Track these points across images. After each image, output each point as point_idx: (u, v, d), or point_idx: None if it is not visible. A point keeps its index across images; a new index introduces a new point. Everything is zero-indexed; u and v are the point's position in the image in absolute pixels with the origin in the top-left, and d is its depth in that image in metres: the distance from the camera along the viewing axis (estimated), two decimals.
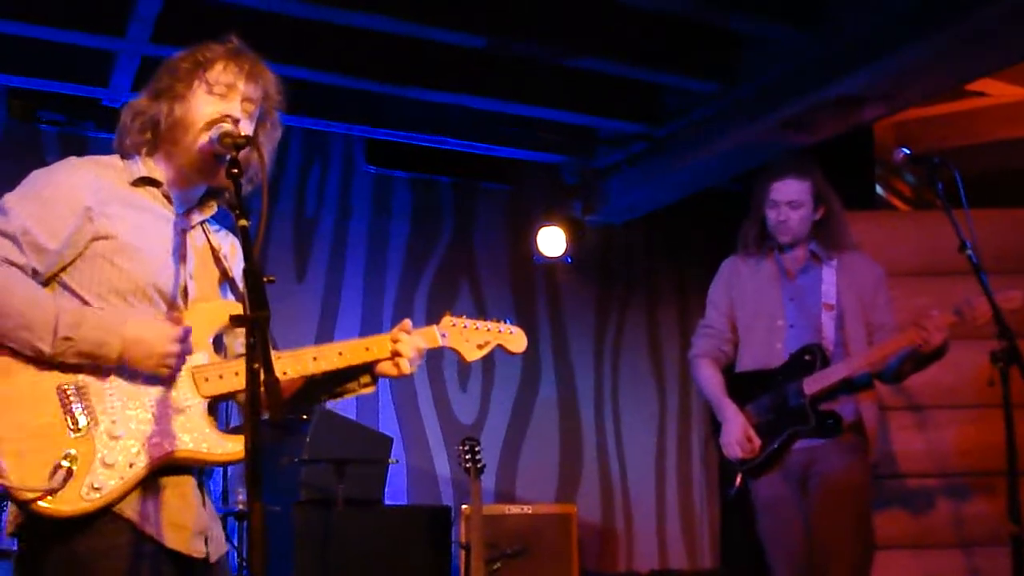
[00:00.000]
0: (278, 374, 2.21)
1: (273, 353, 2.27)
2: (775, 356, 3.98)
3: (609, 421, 6.93)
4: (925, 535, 5.19)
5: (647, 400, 7.05)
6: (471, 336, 2.63)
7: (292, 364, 2.37)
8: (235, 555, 5.04)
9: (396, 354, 2.45)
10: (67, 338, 2.09)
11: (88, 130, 5.59)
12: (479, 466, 4.98)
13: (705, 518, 7.02)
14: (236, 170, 2.16)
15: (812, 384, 3.85)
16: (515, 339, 2.68)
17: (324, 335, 6.12)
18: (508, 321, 2.70)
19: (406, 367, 2.45)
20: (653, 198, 6.25)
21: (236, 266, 2.42)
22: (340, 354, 2.39)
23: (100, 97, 5.20)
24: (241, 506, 4.83)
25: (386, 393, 6.30)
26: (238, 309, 2.18)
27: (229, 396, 2.30)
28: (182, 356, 2.21)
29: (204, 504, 2.29)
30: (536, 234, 6.30)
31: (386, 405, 6.30)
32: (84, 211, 2.19)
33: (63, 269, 2.21)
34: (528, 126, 5.82)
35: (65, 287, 2.20)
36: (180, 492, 2.23)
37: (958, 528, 5.32)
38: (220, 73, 2.35)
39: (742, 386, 4.09)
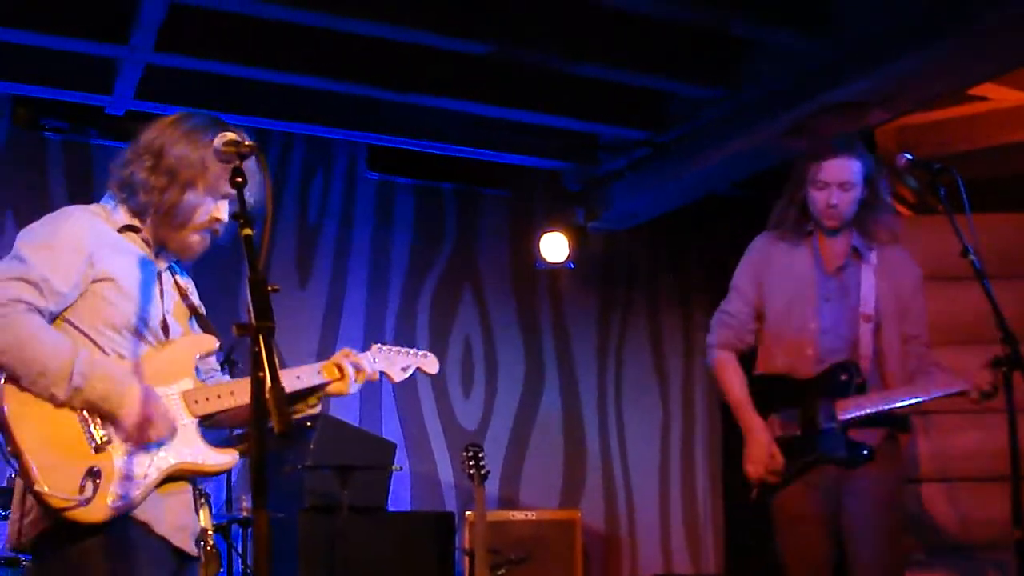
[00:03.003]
0: (244, 398, 2.52)
1: (246, 379, 2.58)
2: (804, 362, 3.72)
3: (612, 427, 6.93)
4: (929, 540, 5.19)
5: (650, 405, 7.04)
6: (396, 360, 2.97)
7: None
8: (240, 562, 5.04)
9: (342, 375, 2.77)
10: (77, 388, 2.35)
11: (91, 138, 5.60)
12: (483, 472, 4.98)
13: (709, 523, 7.01)
14: (240, 179, 2.24)
15: (846, 410, 3.62)
16: (429, 362, 3.05)
17: (327, 343, 6.13)
18: (416, 348, 3.06)
19: (347, 388, 2.77)
20: (656, 204, 6.25)
21: (198, 301, 2.78)
22: (298, 377, 2.71)
23: (103, 105, 5.21)
24: (246, 513, 4.83)
25: (390, 400, 6.30)
26: (212, 341, 2.65)
27: (215, 416, 2.60)
28: (155, 439, 2.45)
29: (196, 510, 2.63)
30: (539, 240, 6.30)
31: (390, 412, 6.31)
32: (87, 257, 2.46)
33: (66, 308, 2.46)
34: (531, 132, 5.82)
35: (69, 323, 2.46)
36: (181, 498, 2.55)
37: (963, 533, 5.31)
38: (226, 181, 2.42)
39: (766, 389, 3.82)
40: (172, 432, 2.48)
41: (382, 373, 2.92)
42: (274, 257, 6.09)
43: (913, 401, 3.61)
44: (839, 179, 3.66)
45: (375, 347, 2.94)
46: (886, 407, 3.61)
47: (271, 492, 2.08)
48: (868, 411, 3.61)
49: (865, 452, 3.61)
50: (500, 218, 6.78)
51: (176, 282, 2.71)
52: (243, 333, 2.05)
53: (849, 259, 3.77)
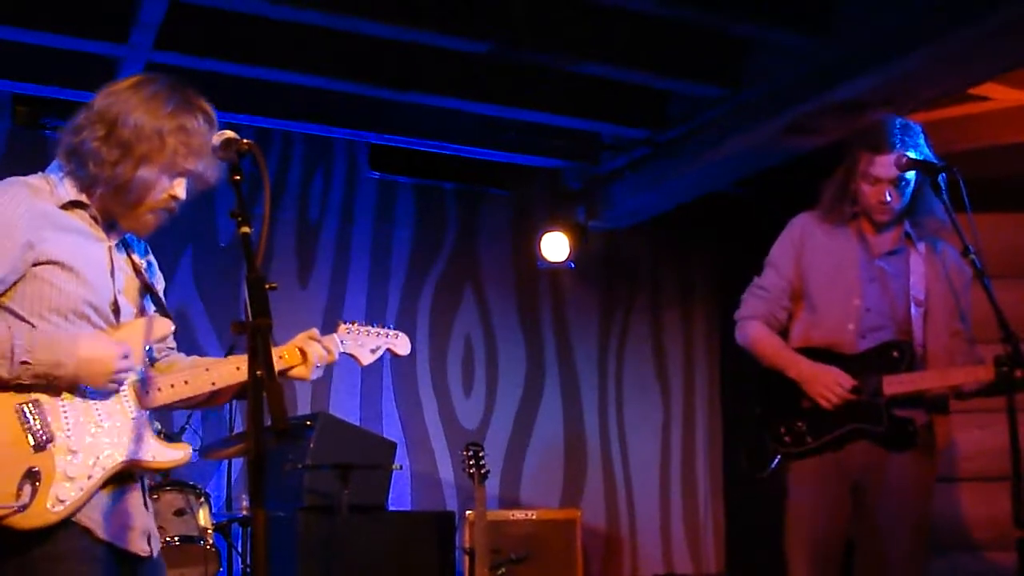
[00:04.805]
0: (207, 383, 2.43)
1: (197, 360, 2.55)
2: (846, 337, 3.63)
3: (613, 426, 6.92)
4: (931, 539, 5.18)
5: (651, 405, 7.04)
6: (364, 341, 2.80)
7: (219, 372, 2.51)
8: (239, 561, 5.04)
9: (305, 359, 2.61)
10: (24, 362, 2.20)
11: None
12: (483, 471, 4.97)
13: (710, 522, 7.01)
14: (238, 176, 2.20)
15: (893, 385, 3.51)
16: (401, 342, 2.89)
17: None
18: (388, 327, 2.89)
19: (308, 374, 2.62)
20: (657, 203, 6.25)
21: (155, 279, 2.60)
22: None
23: None
24: (246, 512, 4.83)
25: (390, 399, 6.30)
26: (165, 325, 2.50)
27: (170, 407, 2.47)
28: (128, 371, 2.35)
29: (146, 505, 2.46)
30: (540, 239, 6.30)
31: (390, 411, 6.31)
32: (25, 240, 2.28)
33: (3, 293, 2.29)
34: (532, 131, 5.81)
35: (7, 310, 2.29)
36: (128, 497, 2.38)
37: (964, 532, 5.31)
38: (184, 157, 2.37)
39: None
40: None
41: (348, 355, 2.76)
42: (275, 256, 6.08)
43: (967, 382, 3.47)
44: (893, 176, 3.55)
45: (343, 327, 2.78)
46: (937, 385, 3.51)
47: (271, 491, 2.07)
48: (919, 387, 3.51)
49: (911, 430, 3.52)
50: (501, 217, 6.78)
51: (131, 258, 2.52)
52: (241, 331, 2.01)
53: (901, 244, 3.68)
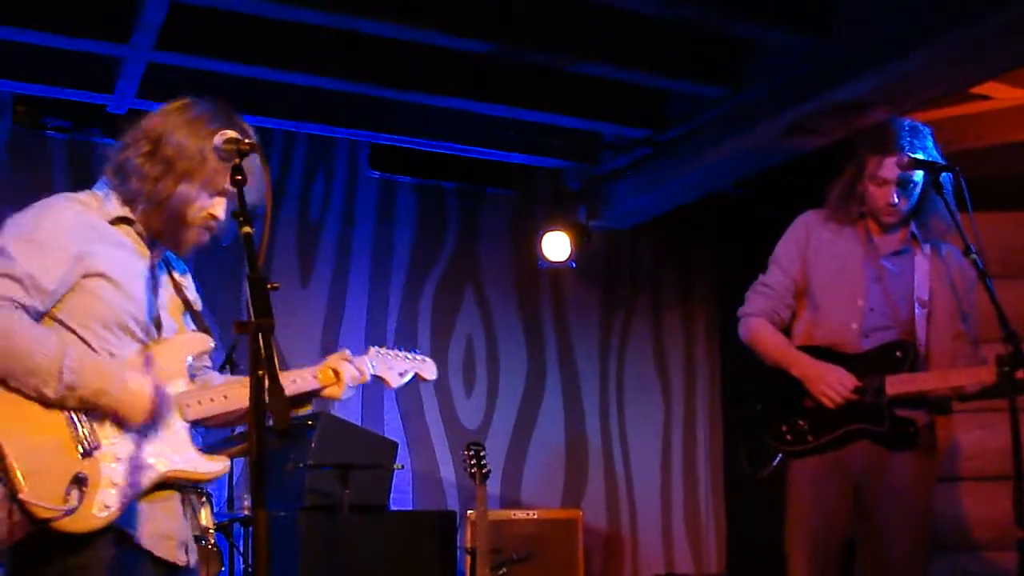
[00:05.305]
0: (245, 398, 2.40)
1: (232, 378, 2.62)
2: (849, 336, 3.63)
3: (614, 426, 6.92)
4: (932, 539, 5.18)
5: (652, 405, 7.04)
6: (393, 364, 2.92)
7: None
8: (241, 561, 5.04)
9: (337, 379, 2.70)
10: (69, 384, 2.26)
11: (94, 136, 5.60)
12: (484, 471, 4.97)
13: (711, 523, 7.01)
14: (240, 177, 2.22)
15: (896, 385, 3.52)
16: (428, 368, 3.03)
17: (328, 340, 6.12)
18: (416, 353, 3.03)
19: (340, 394, 2.71)
20: (658, 203, 6.24)
21: (193, 296, 2.69)
22: (294, 381, 2.63)
23: (105, 104, 5.21)
24: (247, 512, 4.83)
25: (391, 398, 6.30)
26: (205, 341, 2.57)
27: (209, 421, 2.52)
28: (162, 416, 2.41)
29: (185, 516, 2.52)
30: (541, 239, 6.30)
31: (391, 410, 6.31)
32: (75, 253, 2.35)
33: (55, 305, 2.36)
34: (532, 131, 5.82)
35: (57, 320, 2.36)
36: (167, 506, 2.45)
37: (965, 532, 5.31)
38: (224, 176, 2.40)
39: None
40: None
41: (378, 377, 2.85)
42: (276, 256, 6.08)
43: (969, 384, 3.48)
44: (900, 178, 3.56)
45: (373, 350, 2.87)
46: (939, 386, 3.51)
47: (272, 491, 2.08)
48: (920, 387, 3.51)
49: (912, 430, 3.52)
50: (502, 217, 6.78)
51: (171, 276, 2.61)
52: (243, 331, 2.03)
53: (907, 245, 3.68)
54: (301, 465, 4.92)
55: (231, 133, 2.31)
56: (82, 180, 5.54)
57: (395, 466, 5.32)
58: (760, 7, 4.47)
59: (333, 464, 4.83)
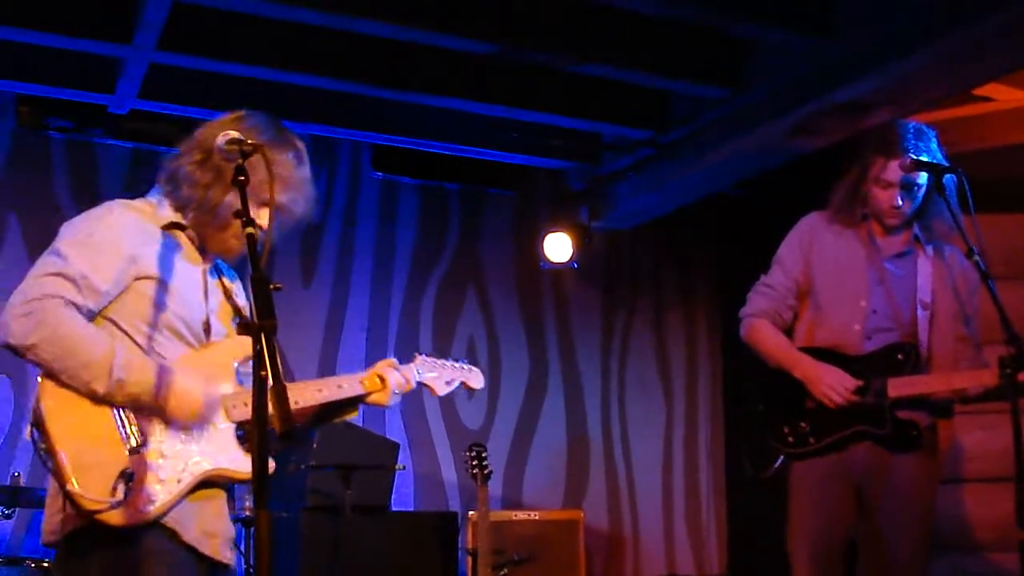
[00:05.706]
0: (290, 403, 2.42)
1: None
2: (851, 338, 3.63)
3: (616, 427, 6.92)
4: (934, 540, 5.18)
5: (654, 405, 7.03)
6: (441, 373, 2.98)
7: (300, 394, 2.64)
8: (242, 561, 5.05)
9: (384, 386, 2.80)
10: (120, 381, 2.33)
11: (96, 137, 5.60)
12: (486, 472, 4.97)
13: (712, 524, 7.00)
14: (242, 177, 2.27)
15: (898, 387, 3.51)
16: (475, 377, 3.05)
17: (330, 341, 6.13)
18: (463, 362, 3.06)
19: (387, 400, 2.82)
20: (660, 204, 6.24)
21: (243, 302, 2.75)
22: (340, 386, 2.73)
23: (107, 104, 5.21)
24: (248, 512, 4.83)
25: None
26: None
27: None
28: (208, 417, 2.47)
29: (229, 515, 2.61)
30: (542, 240, 6.30)
31: (392, 411, 6.30)
32: (129, 255, 2.44)
33: (107, 305, 2.44)
34: (534, 132, 5.81)
35: (109, 320, 2.44)
36: (213, 504, 2.53)
37: (967, 533, 5.31)
38: (266, 184, 2.42)
39: None
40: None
41: (424, 385, 2.90)
42: (278, 256, 6.08)
43: (971, 386, 3.47)
44: (904, 180, 3.56)
45: (420, 358, 2.93)
46: (941, 389, 3.50)
47: (274, 492, 2.09)
48: (922, 390, 3.51)
49: (914, 433, 3.51)
50: (504, 218, 6.78)
51: (222, 282, 2.70)
52: (246, 331, 2.05)
53: (910, 247, 3.68)
54: (303, 466, 4.92)
55: (233, 134, 2.34)
56: (84, 180, 5.63)
57: (397, 467, 5.32)
58: (760, 7, 4.47)
59: (335, 465, 4.83)
